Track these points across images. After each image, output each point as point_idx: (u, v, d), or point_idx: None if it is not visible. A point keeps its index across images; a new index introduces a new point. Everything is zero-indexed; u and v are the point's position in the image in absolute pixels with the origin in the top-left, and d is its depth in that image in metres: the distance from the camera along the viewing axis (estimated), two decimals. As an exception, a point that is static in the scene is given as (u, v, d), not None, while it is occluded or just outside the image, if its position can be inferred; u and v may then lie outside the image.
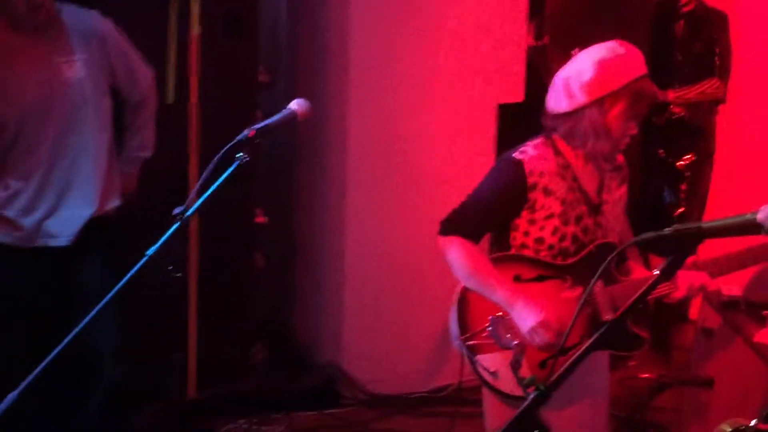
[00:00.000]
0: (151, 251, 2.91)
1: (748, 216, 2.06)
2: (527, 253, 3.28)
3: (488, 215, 3.29)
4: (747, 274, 5.24)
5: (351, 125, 5.51)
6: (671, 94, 6.35)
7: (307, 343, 6.28)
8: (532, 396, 2.05)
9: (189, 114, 5.13)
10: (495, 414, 3.37)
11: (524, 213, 3.25)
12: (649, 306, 3.36)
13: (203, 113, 5.17)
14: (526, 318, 3.13)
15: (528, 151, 3.25)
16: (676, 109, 6.39)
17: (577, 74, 3.17)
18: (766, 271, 3.92)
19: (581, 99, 3.15)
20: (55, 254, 4.27)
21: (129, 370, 4.57)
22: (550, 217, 3.23)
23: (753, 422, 2.11)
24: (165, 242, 2.92)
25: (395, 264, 5.58)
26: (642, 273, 3.29)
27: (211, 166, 2.96)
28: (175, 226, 2.94)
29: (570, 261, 3.24)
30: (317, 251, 6.15)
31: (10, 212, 4.20)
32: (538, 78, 6.20)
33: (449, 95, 5.53)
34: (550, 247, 3.25)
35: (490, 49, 5.57)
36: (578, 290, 3.22)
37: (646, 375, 3.78)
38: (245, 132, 3.04)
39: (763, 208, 2.05)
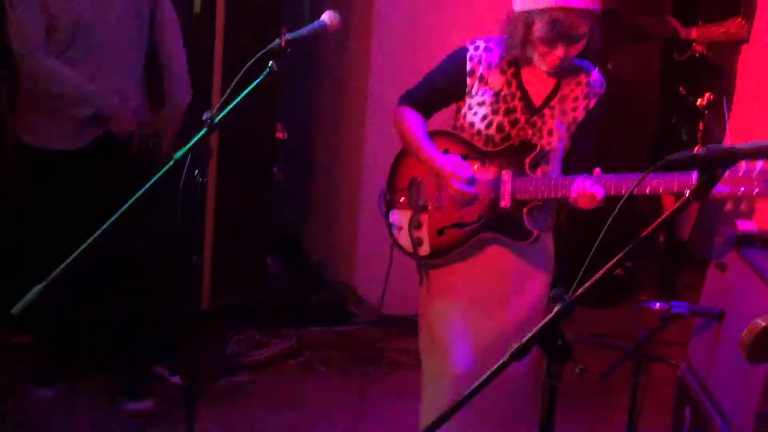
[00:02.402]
0: (178, 155, 2.94)
1: (784, 139, 2.08)
2: (460, 133, 3.51)
3: (431, 91, 3.57)
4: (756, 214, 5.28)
5: (374, 42, 5.49)
6: (694, 32, 6.32)
7: (321, 259, 6.32)
8: (557, 308, 2.08)
9: (215, 24, 5.13)
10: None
11: (466, 97, 3.47)
12: (545, 205, 3.47)
13: (228, 23, 5.16)
14: (450, 166, 3.39)
15: (480, 41, 3.48)
16: (699, 47, 6.36)
17: None
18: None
19: (515, 6, 3.34)
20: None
21: (150, 272, 4.63)
22: (482, 104, 3.44)
23: None
24: (192, 147, 2.96)
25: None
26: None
27: (240, 74, 2.98)
28: (202, 132, 2.97)
29: (492, 149, 3.43)
30: (335, 170, 6.17)
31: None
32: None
33: (481, 13, 5.46)
34: (479, 133, 3.45)
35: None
36: (491, 175, 3.42)
37: (657, 305, 3.79)
38: (276, 41, 3.06)
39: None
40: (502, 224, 3.44)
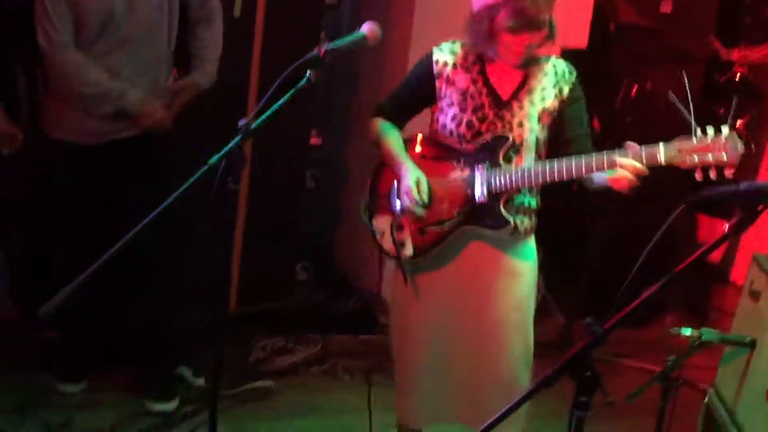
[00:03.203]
0: (213, 161, 2.93)
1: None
2: (434, 137, 3.61)
3: (402, 99, 3.69)
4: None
5: (412, 52, 5.48)
6: (735, 54, 6.31)
7: (349, 267, 6.30)
8: (589, 339, 2.05)
9: (254, 30, 5.12)
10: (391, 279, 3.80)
11: (437, 101, 3.57)
12: (514, 195, 3.53)
13: (268, 29, 5.15)
14: (403, 177, 3.51)
15: (445, 44, 3.59)
16: (739, 69, 6.34)
17: None
18: None
19: (476, 6, 3.39)
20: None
21: (177, 273, 4.63)
22: (451, 105, 3.52)
23: None
24: (227, 153, 2.95)
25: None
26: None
27: (278, 81, 2.98)
28: (238, 138, 2.96)
29: (467, 147, 3.50)
30: (364, 179, 6.14)
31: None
32: (603, 26, 6.15)
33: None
34: (451, 133, 3.53)
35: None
36: (466, 172, 3.49)
37: (689, 331, 3.75)
38: (315, 51, 3.06)
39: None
40: (481, 216, 3.50)
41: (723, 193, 2.07)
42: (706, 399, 4.34)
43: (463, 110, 3.51)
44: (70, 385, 4.75)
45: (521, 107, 3.49)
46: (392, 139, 3.64)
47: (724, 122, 6.21)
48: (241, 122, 2.98)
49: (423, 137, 3.65)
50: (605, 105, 6.35)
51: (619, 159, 3.14)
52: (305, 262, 6.11)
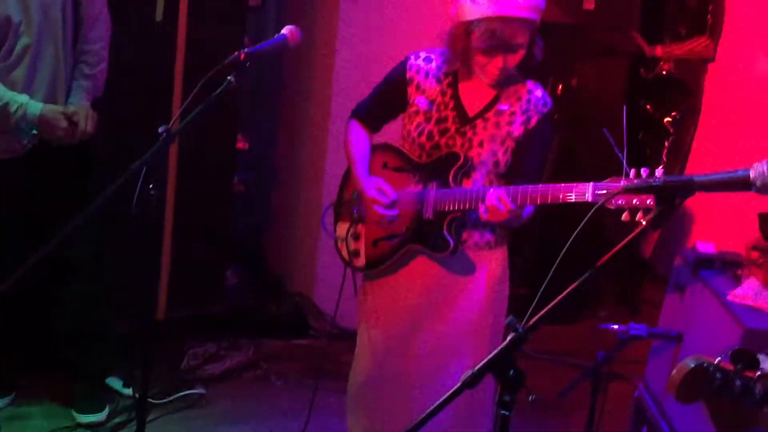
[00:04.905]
0: (135, 167, 2.91)
1: (740, 172, 2.07)
2: (399, 145, 3.58)
3: (376, 103, 3.65)
4: (719, 232, 5.30)
5: (338, 54, 5.47)
6: (659, 50, 6.36)
7: (280, 271, 6.28)
8: (509, 338, 2.06)
9: (176, 33, 5.06)
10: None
11: (408, 107, 3.53)
12: (468, 218, 3.48)
13: (191, 33, 5.10)
14: (371, 191, 3.47)
15: (422, 52, 3.54)
16: (666, 65, 6.39)
17: None
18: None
19: (456, 18, 3.35)
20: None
21: (104, 281, 4.57)
22: (416, 113, 3.49)
23: (717, 359, 2.12)
24: (148, 159, 2.92)
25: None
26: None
27: (198, 86, 2.97)
28: (159, 144, 2.94)
29: (424, 160, 3.48)
30: (296, 181, 6.14)
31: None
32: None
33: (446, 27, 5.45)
34: (413, 141, 3.50)
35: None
36: (419, 187, 3.48)
37: (616, 326, 3.78)
38: (236, 54, 3.05)
39: (755, 165, 2.06)
40: (426, 236, 3.48)
41: (639, 186, 2.08)
42: (636, 393, 4.37)
43: (427, 120, 3.46)
44: (-2, 398, 4.67)
45: (485, 127, 3.42)
46: (357, 151, 3.63)
47: (654, 119, 6.32)
48: (161, 129, 2.96)
49: (388, 146, 3.62)
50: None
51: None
52: (236, 266, 6.07)
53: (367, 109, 3.68)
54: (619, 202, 2.78)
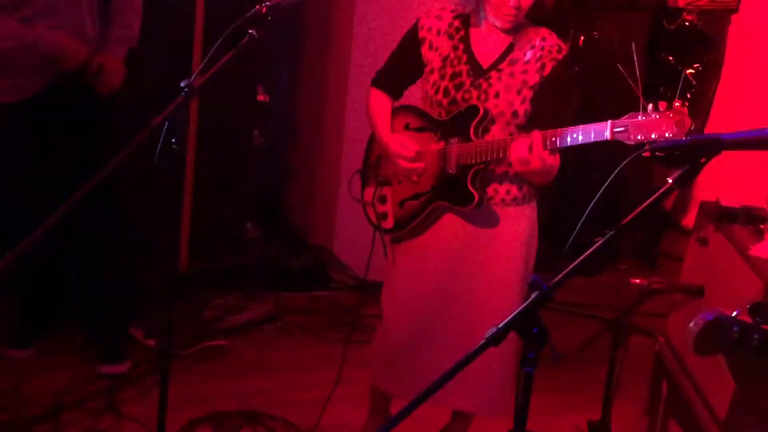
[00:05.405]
0: (156, 122, 2.90)
1: (770, 130, 2.06)
2: (420, 105, 3.59)
3: (394, 67, 3.66)
4: (746, 187, 5.26)
5: (357, 11, 5.43)
6: (682, 0, 6.28)
7: (301, 224, 6.28)
8: (533, 295, 2.05)
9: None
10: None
11: (425, 69, 3.52)
12: (489, 168, 3.47)
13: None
14: (394, 146, 3.52)
15: (433, 11, 3.54)
16: (689, 16, 6.32)
17: None
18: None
19: None
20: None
21: (124, 236, 4.58)
22: (432, 71, 3.49)
23: (735, 312, 2.11)
24: (170, 114, 2.91)
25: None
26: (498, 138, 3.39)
27: (220, 40, 2.95)
28: (180, 98, 2.92)
29: (443, 117, 3.47)
30: (316, 135, 6.12)
31: None
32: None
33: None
34: (431, 101, 3.50)
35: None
36: (441, 144, 3.48)
37: (638, 280, 3.77)
38: (257, 7, 3.03)
39: (785, 123, 2.04)
40: (451, 191, 3.48)
41: (666, 145, 2.07)
42: (657, 347, 4.37)
43: (442, 77, 3.45)
44: (21, 350, 4.70)
45: (500, 78, 3.40)
46: (378, 114, 3.65)
47: (676, 71, 6.27)
48: (183, 83, 2.94)
49: (409, 107, 3.63)
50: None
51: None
52: (256, 219, 6.07)
53: (385, 76, 3.68)
54: (638, 137, 2.82)
